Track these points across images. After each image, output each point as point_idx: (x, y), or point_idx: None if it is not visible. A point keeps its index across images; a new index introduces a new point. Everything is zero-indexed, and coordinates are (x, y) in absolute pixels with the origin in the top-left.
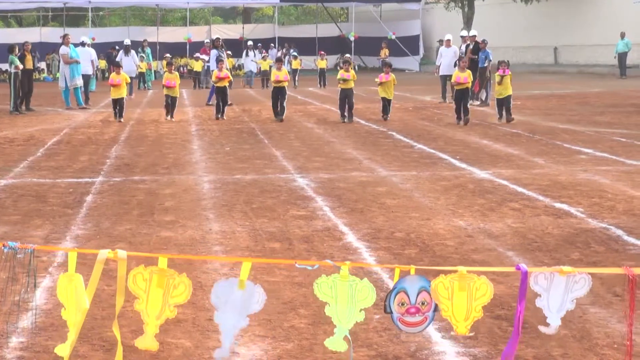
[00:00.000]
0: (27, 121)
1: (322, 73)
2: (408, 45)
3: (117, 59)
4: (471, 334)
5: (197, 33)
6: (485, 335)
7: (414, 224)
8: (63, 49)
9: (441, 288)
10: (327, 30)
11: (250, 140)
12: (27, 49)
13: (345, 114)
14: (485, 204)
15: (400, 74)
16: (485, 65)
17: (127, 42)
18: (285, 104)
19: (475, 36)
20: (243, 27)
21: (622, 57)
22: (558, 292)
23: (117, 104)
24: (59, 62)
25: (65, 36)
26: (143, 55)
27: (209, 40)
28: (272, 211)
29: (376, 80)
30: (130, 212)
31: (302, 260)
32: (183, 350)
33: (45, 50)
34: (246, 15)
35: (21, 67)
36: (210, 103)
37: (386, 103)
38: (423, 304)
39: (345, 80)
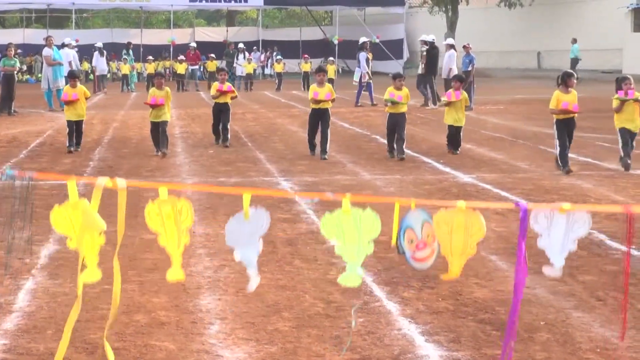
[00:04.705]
0: (10, 123)
1: (306, 76)
2: (392, 49)
3: (93, 61)
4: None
5: (180, 35)
6: (469, 339)
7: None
8: (46, 51)
9: (442, 223)
10: (311, 33)
11: (234, 143)
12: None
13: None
14: None
15: (384, 78)
16: (469, 69)
17: (99, 44)
18: (329, 133)
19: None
20: (227, 30)
21: (574, 63)
22: (559, 231)
23: (74, 127)
24: (42, 63)
25: (48, 38)
26: (127, 57)
27: (194, 44)
28: None
29: (443, 99)
30: (113, 214)
31: (302, 193)
32: (167, 352)
33: (29, 51)
34: (230, 18)
35: (17, 68)
36: (360, 104)
37: (454, 131)
38: (428, 236)
39: (395, 103)
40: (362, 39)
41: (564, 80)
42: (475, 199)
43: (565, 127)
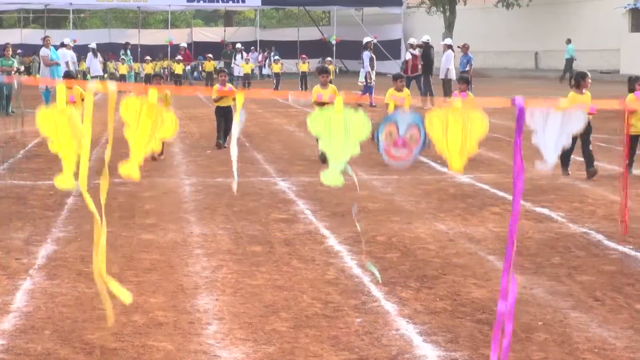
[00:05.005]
0: (8, 123)
1: (303, 76)
2: (389, 49)
3: (86, 62)
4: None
5: (178, 36)
6: (466, 339)
7: (396, 228)
8: (43, 51)
9: (436, 120)
10: (309, 33)
11: None
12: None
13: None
14: (466, 208)
15: (381, 78)
16: (467, 69)
17: (93, 45)
18: None
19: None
20: (225, 30)
21: (569, 63)
22: (554, 128)
23: None
24: (40, 64)
25: (45, 38)
26: (124, 57)
27: (185, 45)
28: (254, 214)
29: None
30: (111, 214)
31: (296, 93)
32: (165, 353)
33: (26, 52)
34: (228, 18)
35: (15, 68)
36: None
37: None
38: (410, 138)
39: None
40: (366, 39)
41: (578, 81)
42: (473, 199)
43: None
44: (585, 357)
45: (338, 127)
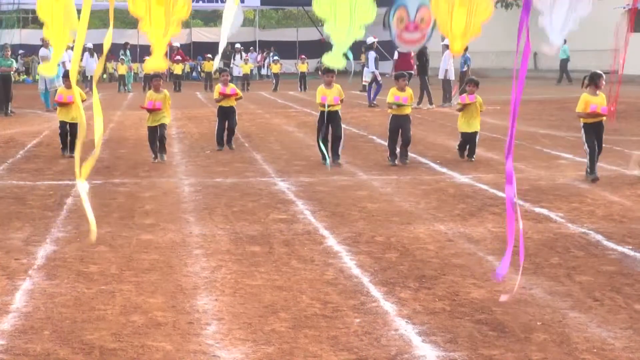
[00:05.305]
0: (7, 123)
1: (302, 77)
2: (388, 49)
3: (83, 62)
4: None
5: (177, 36)
6: (466, 339)
7: (395, 228)
8: (43, 51)
9: (442, 1)
10: (308, 34)
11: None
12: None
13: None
14: (465, 208)
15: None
16: (465, 69)
17: (90, 45)
18: (342, 134)
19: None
20: None
21: (564, 63)
22: (561, 10)
23: (69, 130)
24: (39, 64)
25: (44, 38)
26: (124, 57)
27: (178, 45)
28: (253, 214)
29: (457, 103)
30: (110, 214)
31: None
32: (164, 353)
33: (25, 52)
34: None
35: (15, 68)
36: (375, 104)
37: (467, 137)
38: (422, 20)
39: (400, 105)
40: (370, 39)
41: (594, 81)
42: (472, 200)
43: (594, 131)
44: (584, 357)
45: (344, 10)
